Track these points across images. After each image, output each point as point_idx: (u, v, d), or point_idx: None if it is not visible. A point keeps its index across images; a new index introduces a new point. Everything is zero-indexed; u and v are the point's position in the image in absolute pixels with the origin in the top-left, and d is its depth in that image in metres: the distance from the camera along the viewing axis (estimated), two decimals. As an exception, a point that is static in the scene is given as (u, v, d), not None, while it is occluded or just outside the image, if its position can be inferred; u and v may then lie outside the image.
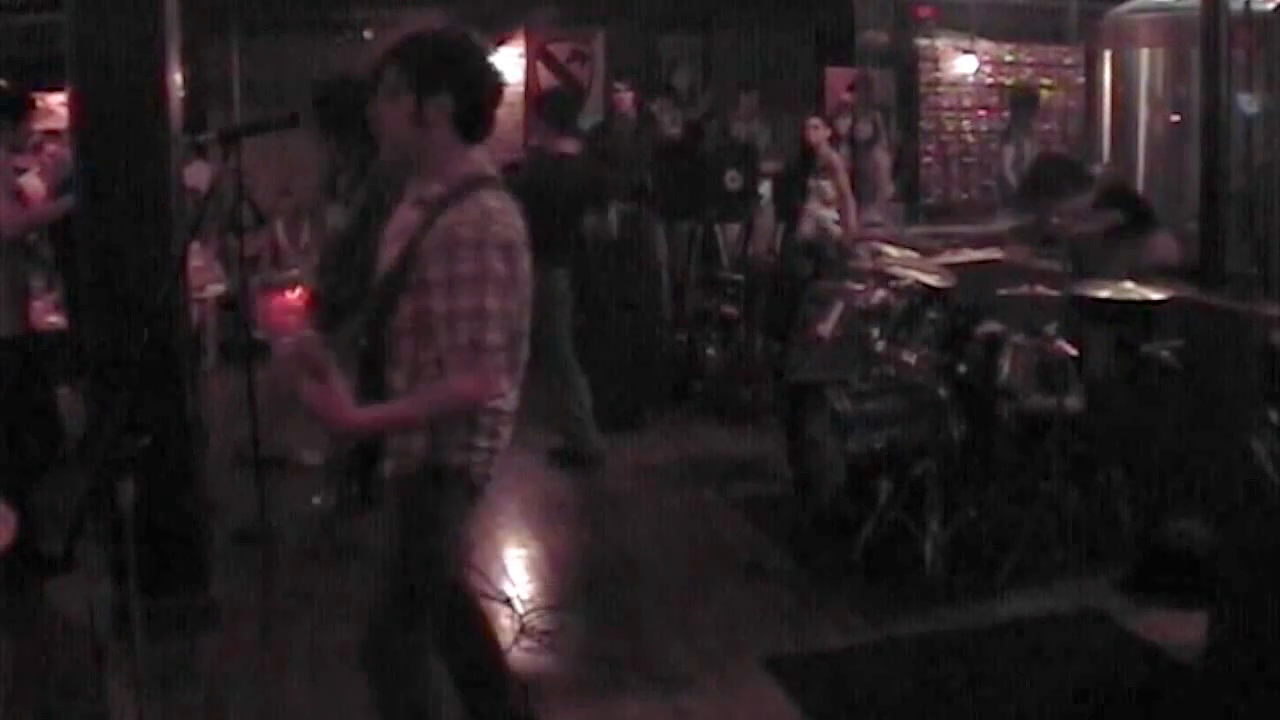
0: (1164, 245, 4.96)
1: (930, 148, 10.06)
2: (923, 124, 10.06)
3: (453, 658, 2.92)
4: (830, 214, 7.39)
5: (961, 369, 4.67)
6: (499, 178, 2.59)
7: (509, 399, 2.64)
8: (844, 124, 8.25)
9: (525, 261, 2.56)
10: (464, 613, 2.99)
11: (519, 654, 3.86)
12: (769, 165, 8.48)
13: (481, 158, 2.59)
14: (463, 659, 2.95)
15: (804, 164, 7.56)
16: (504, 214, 2.50)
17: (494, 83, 2.60)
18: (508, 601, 4.34)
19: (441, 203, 2.47)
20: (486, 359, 2.42)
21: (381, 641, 2.68)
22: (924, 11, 10.09)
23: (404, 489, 2.61)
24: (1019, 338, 4.58)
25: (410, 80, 2.50)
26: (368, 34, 10.40)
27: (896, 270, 5.20)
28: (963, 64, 10.09)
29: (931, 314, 4.90)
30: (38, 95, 5.00)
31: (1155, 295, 4.53)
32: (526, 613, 4.21)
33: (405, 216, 2.56)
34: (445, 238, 2.42)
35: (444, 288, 2.41)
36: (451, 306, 2.40)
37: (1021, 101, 8.67)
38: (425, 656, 2.70)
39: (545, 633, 4.08)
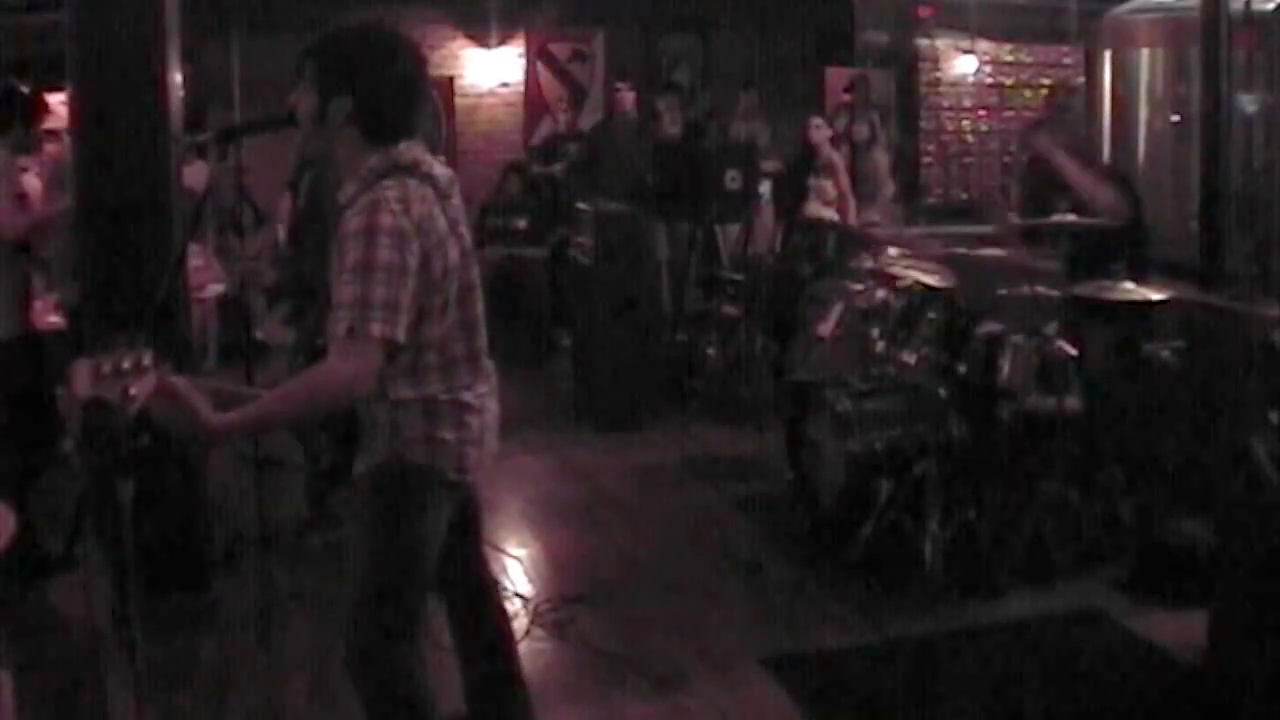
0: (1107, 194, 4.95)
1: (930, 148, 10.07)
2: (923, 124, 10.06)
3: (464, 651, 2.90)
4: (830, 214, 7.40)
5: (961, 369, 4.67)
6: (420, 165, 2.52)
7: (473, 390, 2.61)
8: (843, 124, 8.25)
9: (446, 248, 2.51)
10: (481, 608, 2.94)
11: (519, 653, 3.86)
12: (769, 165, 8.49)
13: (402, 150, 2.52)
14: (475, 654, 2.92)
15: (804, 164, 7.57)
16: (401, 201, 2.42)
17: (404, 85, 2.54)
18: (507, 599, 4.34)
19: (352, 200, 2.47)
20: (362, 347, 2.33)
21: (360, 647, 2.63)
22: (924, 11, 10.09)
23: (368, 487, 2.61)
24: (1019, 338, 4.58)
25: (316, 79, 2.51)
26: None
27: (896, 270, 5.21)
28: (963, 64, 10.10)
29: (931, 314, 4.89)
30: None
31: (1155, 295, 4.53)
32: (526, 612, 4.21)
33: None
34: (340, 232, 2.42)
35: (337, 280, 2.40)
36: (338, 297, 2.38)
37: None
38: (411, 660, 2.65)
39: (545, 632, 4.08)
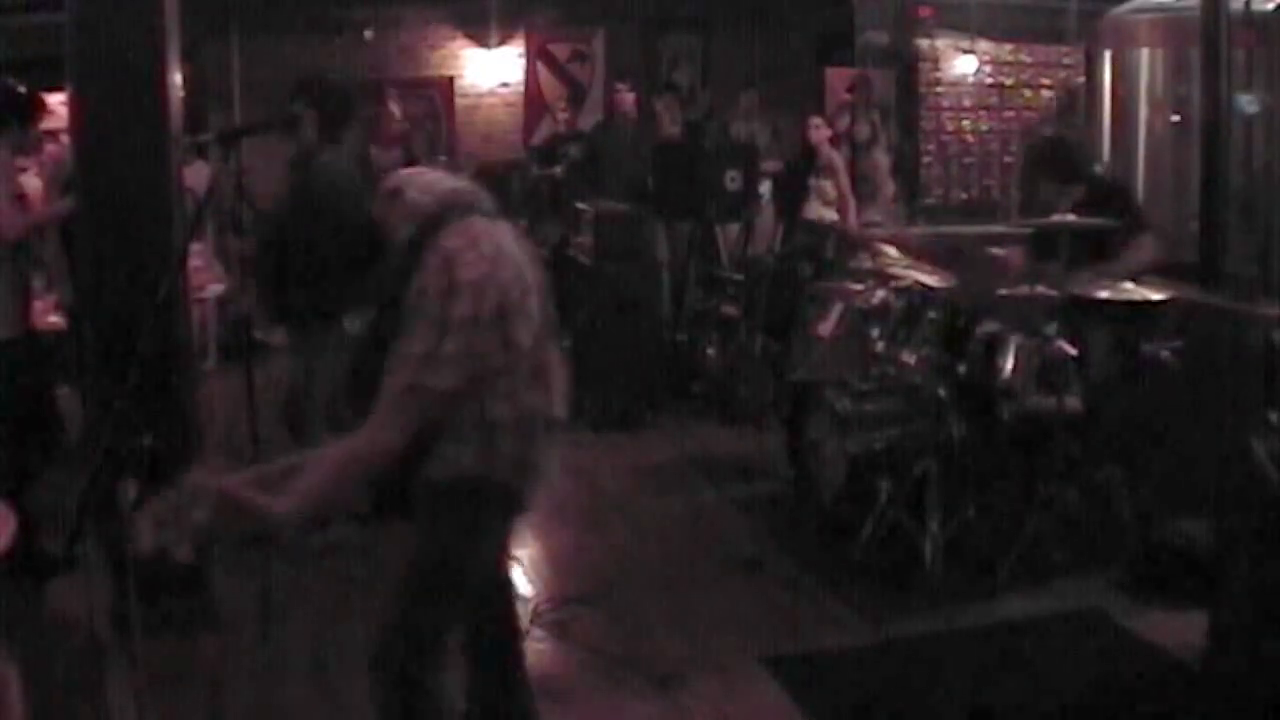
0: (1147, 247, 4.94)
1: (930, 148, 10.06)
2: (923, 124, 10.05)
3: (470, 649, 2.85)
4: (830, 214, 7.40)
5: (961, 369, 4.67)
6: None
7: (537, 405, 2.56)
8: (844, 124, 8.25)
9: (522, 277, 2.55)
10: (492, 607, 2.90)
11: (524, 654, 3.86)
12: (769, 165, 8.49)
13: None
14: (480, 652, 2.87)
15: (804, 164, 7.57)
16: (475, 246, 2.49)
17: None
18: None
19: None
20: (415, 401, 2.35)
21: (390, 649, 2.59)
22: (924, 11, 10.08)
23: (443, 497, 2.54)
24: (1019, 338, 4.58)
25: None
26: (368, 34, 10.41)
27: (896, 270, 5.20)
28: (963, 64, 10.08)
29: (931, 314, 4.89)
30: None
31: (1155, 295, 4.53)
32: (526, 612, 4.20)
33: None
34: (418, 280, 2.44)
35: (409, 321, 2.43)
36: (405, 345, 2.42)
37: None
38: (434, 672, 2.59)
39: (545, 632, 4.08)
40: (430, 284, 2.37)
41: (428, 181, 2.59)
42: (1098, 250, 4.75)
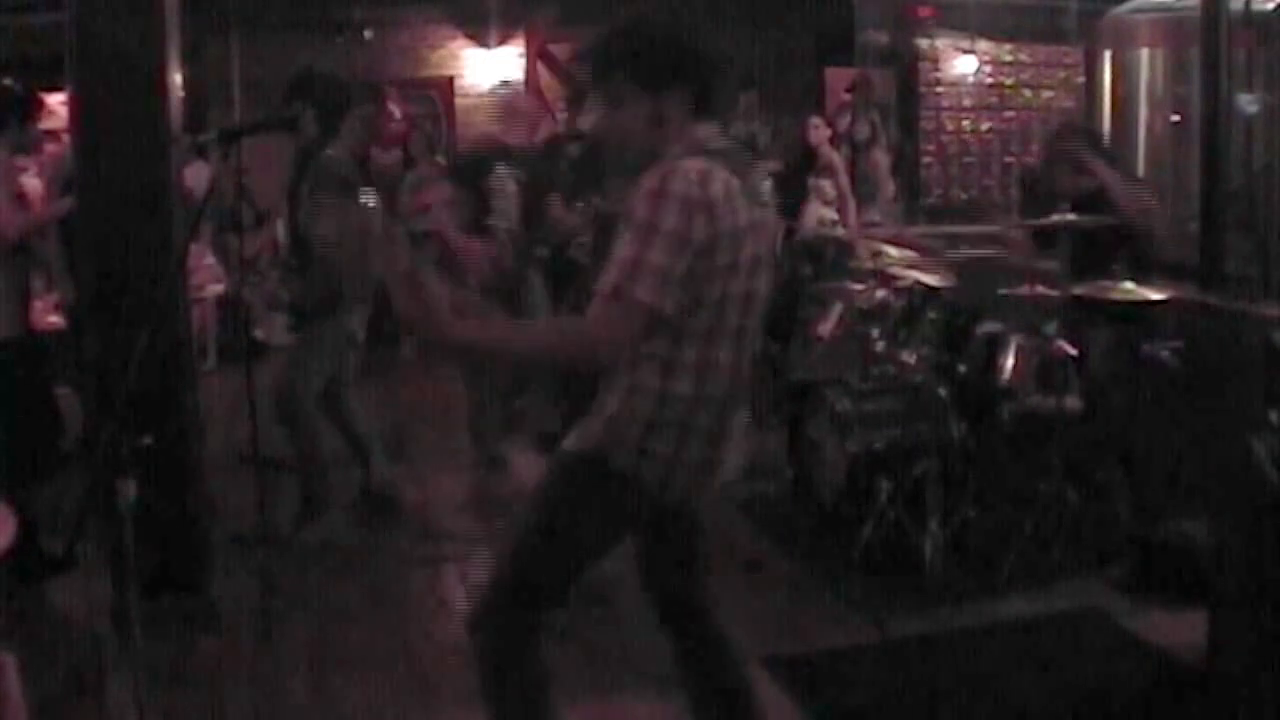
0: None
1: (930, 148, 10.06)
2: (923, 124, 10.06)
3: (696, 704, 2.82)
4: (830, 214, 7.39)
5: (961, 369, 4.67)
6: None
7: (719, 408, 2.45)
8: (843, 124, 8.25)
9: (739, 240, 2.38)
10: (710, 657, 2.81)
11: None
12: (769, 165, 8.47)
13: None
14: (708, 708, 2.81)
15: (804, 164, 7.56)
16: (700, 175, 2.35)
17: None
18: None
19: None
20: (625, 310, 2.24)
21: (489, 613, 2.57)
22: (924, 11, 10.09)
23: (563, 469, 2.49)
24: (1019, 338, 4.58)
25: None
26: (368, 34, 10.41)
27: (896, 270, 5.20)
28: (963, 64, 10.09)
29: (931, 314, 4.90)
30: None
31: (1155, 295, 4.53)
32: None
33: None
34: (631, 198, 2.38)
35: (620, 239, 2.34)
36: (616, 254, 2.31)
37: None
38: (533, 642, 2.57)
39: (545, 632, 4.07)
40: (644, 192, 2.29)
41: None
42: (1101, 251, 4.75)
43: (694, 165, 2.32)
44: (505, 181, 5.69)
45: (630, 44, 2.45)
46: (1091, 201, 4.81)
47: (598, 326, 2.26)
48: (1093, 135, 5.46)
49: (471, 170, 5.84)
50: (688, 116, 2.45)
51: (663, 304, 2.25)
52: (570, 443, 2.49)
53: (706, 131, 2.46)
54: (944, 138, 10.09)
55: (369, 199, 4.65)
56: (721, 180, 2.34)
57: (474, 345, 2.36)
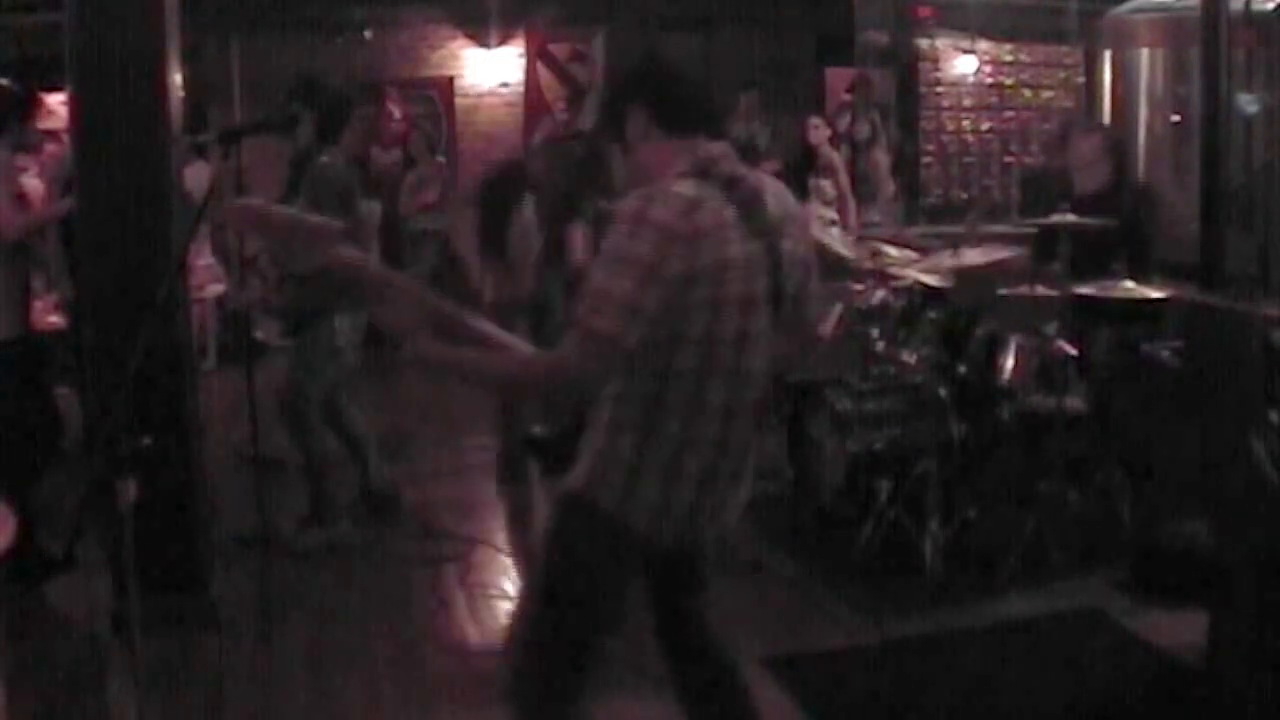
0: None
1: (930, 148, 10.06)
2: (923, 124, 10.06)
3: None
4: (830, 214, 7.39)
5: (961, 369, 4.67)
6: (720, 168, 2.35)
7: (715, 454, 2.31)
8: (843, 124, 8.25)
9: (725, 275, 2.23)
10: (717, 687, 2.71)
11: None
12: (769, 165, 8.48)
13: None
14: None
15: (804, 164, 7.57)
16: (683, 201, 2.26)
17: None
18: (508, 599, 4.34)
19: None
20: (589, 344, 2.15)
21: (516, 669, 2.49)
22: (924, 11, 10.09)
23: (561, 511, 2.40)
24: (1019, 338, 4.58)
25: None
26: (368, 34, 10.41)
27: (896, 270, 5.20)
28: (963, 64, 10.09)
29: (931, 314, 4.89)
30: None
31: (1155, 295, 4.53)
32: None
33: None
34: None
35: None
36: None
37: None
38: (562, 702, 2.42)
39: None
40: (620, 216, 2.20)
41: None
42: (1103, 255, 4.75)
43: (682, 191, 2.21)
44: (524, 209, 5.72)
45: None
46: (1095, 202, 4.82)
47: (564, 358, 2.18)
48: (1110, 135, 5.46)
49: (496, 196, 5.86)
50: (654, 131, 2.35)
51: (626, 336, 2.12)
52: (566, 482, 2.38)
53: (709, 151, 2.33)
54: (944, 138, 10.09)
55: (370, 207, 4.63)
56: (710, 210, 2.21)
57: (442, 365, 2.29)
